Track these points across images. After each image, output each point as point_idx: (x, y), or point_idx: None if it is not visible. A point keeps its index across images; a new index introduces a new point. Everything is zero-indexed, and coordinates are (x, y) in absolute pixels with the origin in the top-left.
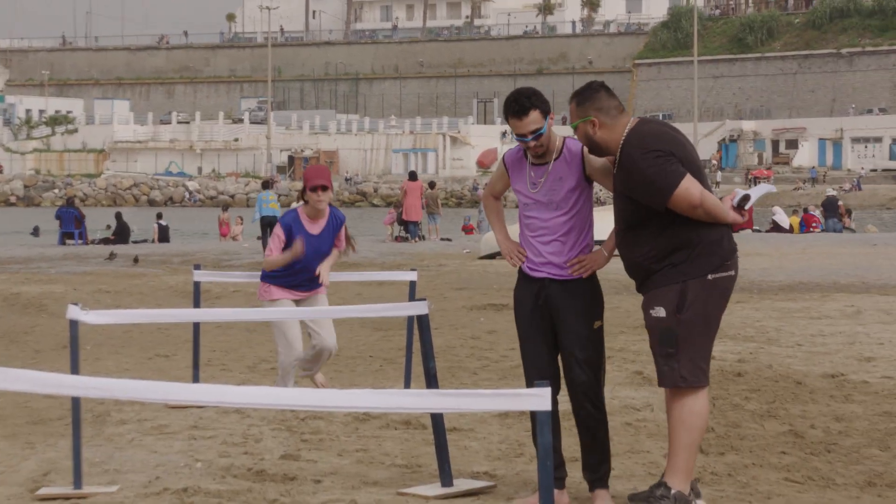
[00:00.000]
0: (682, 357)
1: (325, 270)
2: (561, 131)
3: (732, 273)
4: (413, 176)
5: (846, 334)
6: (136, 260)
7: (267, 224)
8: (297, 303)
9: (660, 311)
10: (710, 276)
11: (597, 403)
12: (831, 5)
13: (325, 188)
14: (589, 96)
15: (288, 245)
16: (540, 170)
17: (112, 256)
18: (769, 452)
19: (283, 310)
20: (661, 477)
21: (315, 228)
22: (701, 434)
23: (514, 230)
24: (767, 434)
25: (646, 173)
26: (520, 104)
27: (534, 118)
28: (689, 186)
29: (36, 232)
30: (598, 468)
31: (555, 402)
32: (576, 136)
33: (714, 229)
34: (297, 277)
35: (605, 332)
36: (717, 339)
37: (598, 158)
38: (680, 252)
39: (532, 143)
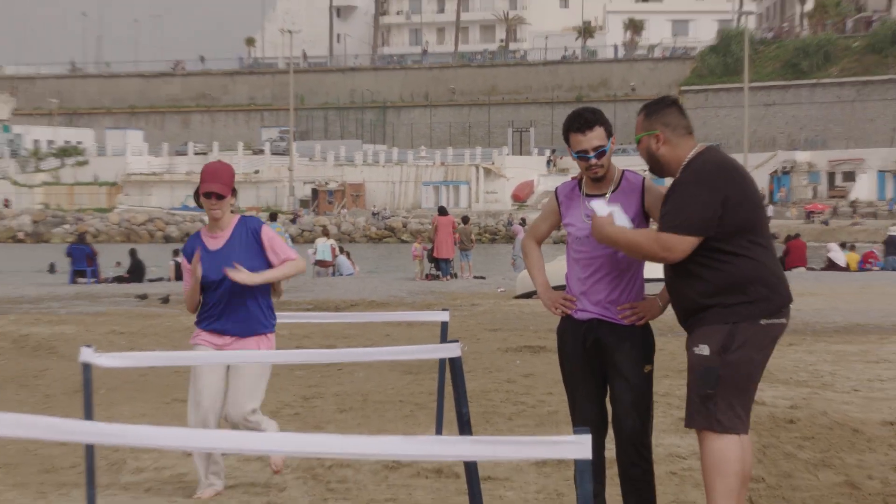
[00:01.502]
0: (720, 400)
1: (242, 273)
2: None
3: (784, 321)
4: (443, 211)
5: None
6: (166, 300)
7: None
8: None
9: (703, 350)
10: (762, 322)
11: (643, 451)
12: (893, 28)
13: (219, 196)
14: (658, 110)
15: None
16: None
17: (143, 297)
18: None
19: (305, 352)
20: None
21: (216, 243)
22: (737, 480)
23: (551, 267)
24: (822, 485)
25: (684, 194)
26: (584, 118)
27: (598, 134)
28: (685, 242)
29: (52, 269)
30: None
31: (601, 446)
32: (637, 151)
33: (774, 273)
34: (213, 313)
35: None
36: (768, 383)
37: (657, 192)
38: (735, 291)
39: (593, 161)
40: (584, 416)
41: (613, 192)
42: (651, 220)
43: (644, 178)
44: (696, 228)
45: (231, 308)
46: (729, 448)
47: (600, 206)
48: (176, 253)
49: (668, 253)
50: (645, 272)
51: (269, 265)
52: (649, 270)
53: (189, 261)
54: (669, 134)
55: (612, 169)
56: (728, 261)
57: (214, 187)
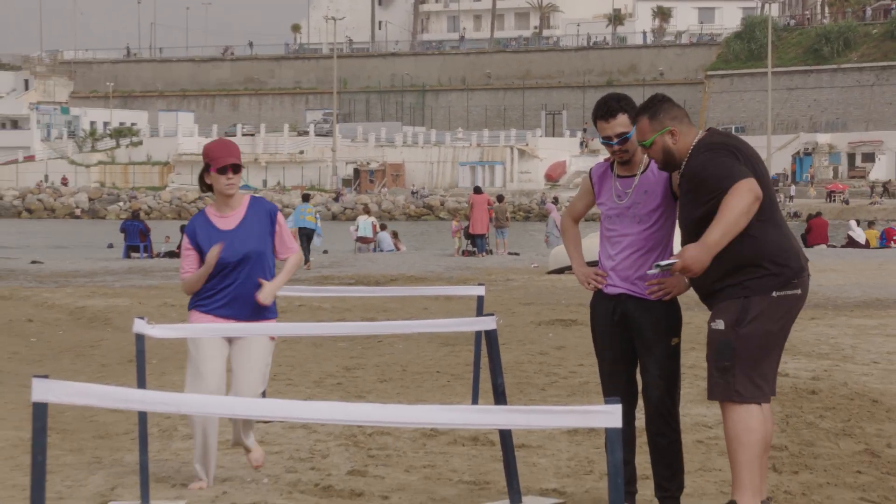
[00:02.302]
0: (737, 371)
1: (269, 287)
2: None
3: (799, 292)
4: (478, 189)
5: None
6: None
7: (304, 236)
8: (228, 339)
9: (719, 324)
10: (774, 294)
11: (670, 421)
12: None
13: (236, 168)
14: (661, 107)
15: (202, 258)
16: (627, 182)
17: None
18: (844, 472)
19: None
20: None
21: (227, 223)
22: (759, 449)
23: (586, 244)
24: (842, 453)
25: (712, 165)
26: (608, 106)
27: (621, 121)
28: (751, 182)
29: (111, 247)
30: (668, 485)
31: (632, 416)
32: (647, 154)
33: (781, 248)
34: (221, 297)
35: None
36: (791, 356)
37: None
38: (744, 271)
39: (616, 147)
40: (614, 387)
41: (643, 173)
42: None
43: None
44: (745, 172)
45: (243, 293)
46: (750, 418)
47: (663, 267)
48: None
49: (754, 193)
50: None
51: (272, 250)
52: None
53: (191, 241)
54: (679, 125)
55: (640, 153)
56: (736, 243)
57: (232, 159)
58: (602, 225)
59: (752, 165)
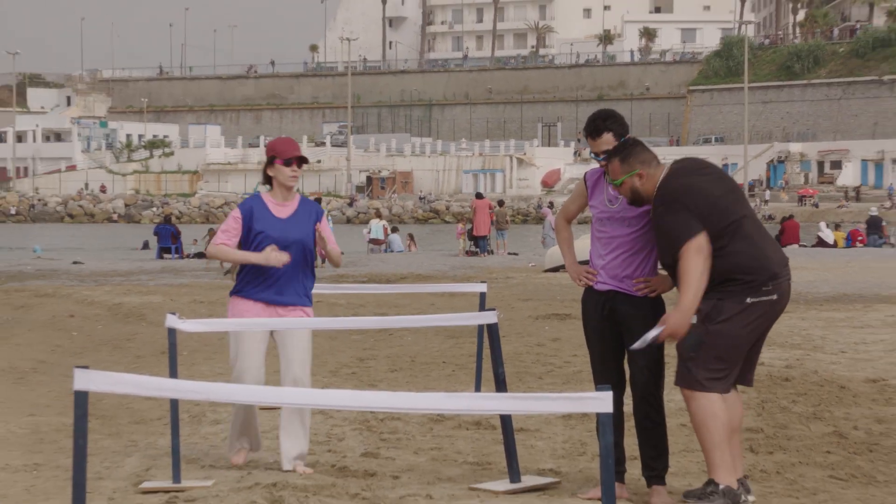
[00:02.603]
0: (700, 363)
1: (330, 241)
2: None
3: (775, 297)
4: (479, 195)
5: (887, 342)
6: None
7: None
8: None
9: (694, 318)
10: (749, 300)
11: (655, 405)
12: (874, 35)
13: (301, 160)
14: (632, 151)
15: (248, 237)
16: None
17: (227, 273)
18: (815, 452)
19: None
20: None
21: (283, 212)
22: (725, 432)
23: (578, 244)
24: (813, 435)
25: (664, 223)
26: (595, 126)
27: (606, 139)
28: (701, 238)
29: (146, 245)
30: (655, 465)
31: (620, 402)
32: (618, 192)
33: (751, 258)
34: (269, 283)
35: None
36: (766, 346)
37: None
38: (722, 283)
39: (603, 162)
40: (604, 375)
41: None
42: None
43: None
44: (696, 228)
45: (290, 278)
46: (710, 405)
47: (647, 339)
48: None
49: (701, 252)
50: None
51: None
52: None
53: (244, 218)
54: (647, 169)
55: None
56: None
57: (298, 153)
58: (593, 226)
59: (710, 201)
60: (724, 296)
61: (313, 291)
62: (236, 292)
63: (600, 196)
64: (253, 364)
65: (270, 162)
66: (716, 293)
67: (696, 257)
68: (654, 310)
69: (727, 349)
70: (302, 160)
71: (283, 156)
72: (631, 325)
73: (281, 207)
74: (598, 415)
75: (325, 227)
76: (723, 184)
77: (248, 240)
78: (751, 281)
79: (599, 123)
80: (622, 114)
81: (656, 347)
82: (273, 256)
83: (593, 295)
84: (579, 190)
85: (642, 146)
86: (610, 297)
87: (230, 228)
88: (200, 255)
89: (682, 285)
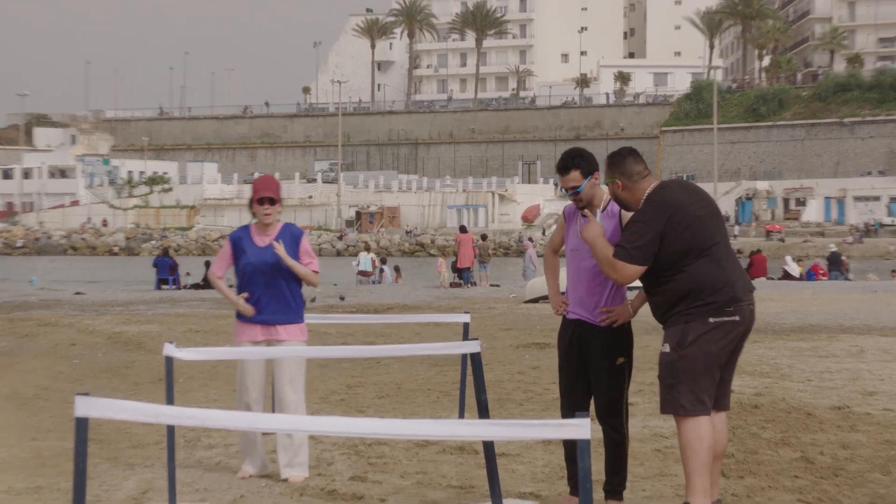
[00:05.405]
0: (681, 388)
1: (281, 248)
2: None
3: (737, 318)
4: (463, 229)
5: (851, 371)
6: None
7: None
8: (260, 343)
9: (666, 347)
10: (711, 320)
11: (614, 426)
12: (835, 80)
13: (272, 201)
14: (616, 161)
15: (237, 260)
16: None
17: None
18: (783, 476)
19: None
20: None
21: (263, 241)
22: (709, 456)
23: (563, 274)
24: (781, 460)
25: (632, 223)
26: (563, 164)
27: (573, 177)
28: (630, 269)
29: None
30: (612, 480)
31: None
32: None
33: (715, 280)
34: (257, 305)
35: (636, 368)
36: (735, 375)
37: (628, 217)
38: (685, 300)
39: (572, 198)
40: (572, 397)
41: (602, 211)
42: None
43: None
44: (639, 259)
45: (271, 296)
46: (698, 428)
47: (597, 218)
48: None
49: (615, 274)
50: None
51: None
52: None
53: (232, 243)
54: (626, 181)
55: (599, 196)
56: (674, 279)
57: (268, 193)
58: (566, 257)
59: (689, 218)
60: (688, 318)
61: (306, 321)
62: (237, 316)
63: (573, 229)
64: (255, 380)
65: (251, 200)
66: (681, 317)
67: (620, 270)
68: (616, 338)
69: (704, 367)
70: (272, 200)
71: (255, 195)
72: (593, 353)
73: (261, 237)
74: (577, 441)
75: (306, 246)
76: (707, 208)
77: (237, 263)
78: (712, 302)
79: (567, 162)
80: (598, 152)
81: (616, 373)
82: (241, 304)
83: (564, 323)
84: (560, 223)
85: (633, 158)
86: (577, 325)
87: (223, 254)
88: (196, 286)
89: (604, 246)
